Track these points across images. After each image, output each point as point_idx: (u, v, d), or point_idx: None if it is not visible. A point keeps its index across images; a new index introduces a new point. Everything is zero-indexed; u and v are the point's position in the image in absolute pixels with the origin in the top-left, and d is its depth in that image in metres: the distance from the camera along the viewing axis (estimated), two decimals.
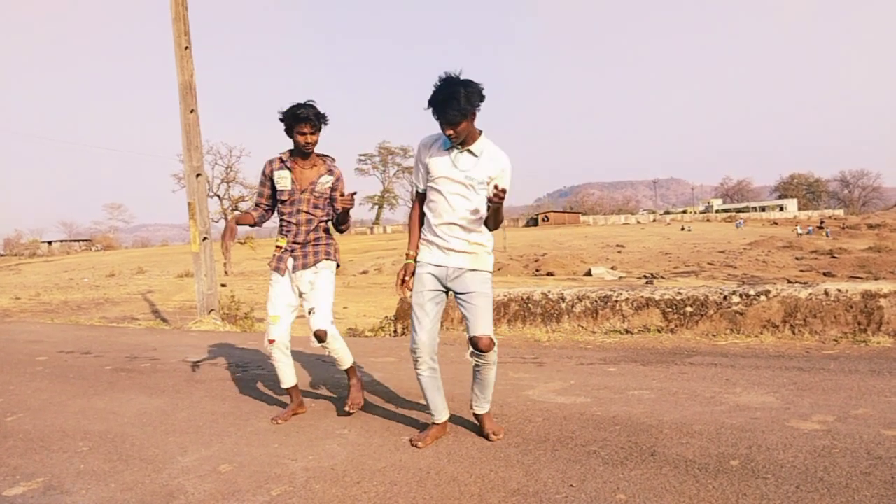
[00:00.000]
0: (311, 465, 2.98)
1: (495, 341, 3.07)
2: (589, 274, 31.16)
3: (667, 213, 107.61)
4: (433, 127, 3.06)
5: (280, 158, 3.68)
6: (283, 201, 3.66)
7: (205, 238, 9.95)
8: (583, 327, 6.35)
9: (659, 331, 5.96)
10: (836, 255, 34.06)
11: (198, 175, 9.99)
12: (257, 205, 3.79)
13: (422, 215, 3.27)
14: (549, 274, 31.51)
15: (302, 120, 3.50)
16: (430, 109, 2.96)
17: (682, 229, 62.77)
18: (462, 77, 2.94)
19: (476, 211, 3.09)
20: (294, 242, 3.67)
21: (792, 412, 3.29)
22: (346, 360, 3.74)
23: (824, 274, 28.05)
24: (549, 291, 6.72)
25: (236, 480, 2.85)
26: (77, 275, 31.98)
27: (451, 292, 3.17)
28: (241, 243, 36.73)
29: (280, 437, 3.44)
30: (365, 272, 32.59)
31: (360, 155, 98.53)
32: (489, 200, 2.95)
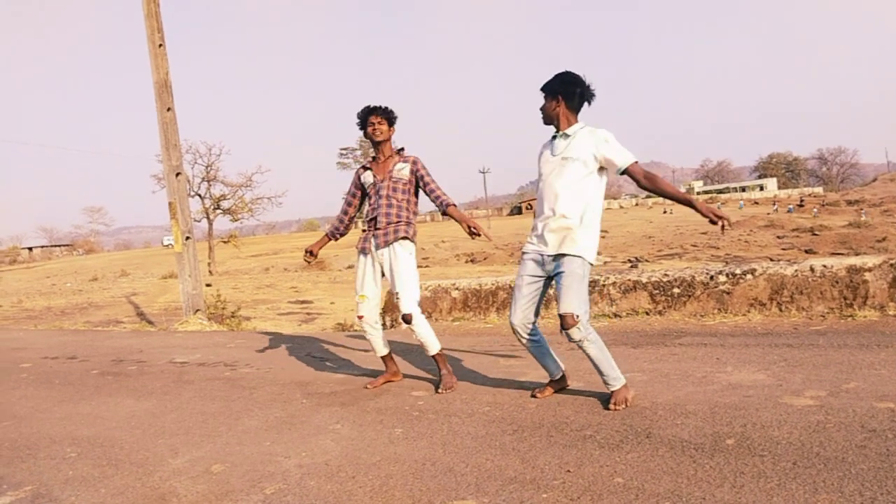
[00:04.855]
0: (304, 462, 2.94)
1: (577, 318, 3.20)
2: None
3: (648, 196, 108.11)
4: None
5: (362, 166, 4.26)
6: (368, 196, 4.19)
7: (187, 237, 9.84)
8: None
9: (647, 313, 5.97)
10: (816, 233, 34.43)
11: (177, 174, 9.87)
12: (341, 216, 4.40)
13: None
14: None
15: (373, 111, 4.05)
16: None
17: (665, 212, 63.16)
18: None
19: (570, 184, 3.28)
20: (376, 225, 4.05)
21: (784, 389, 3.30)
22: (432, 345, 3.99)
23: (806, 251, 28.34)
24: None
25: (229, 480, 2.80)
26: (59, 280, 31.60)
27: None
28: (225, 242, 36.36)
29: (272, 434, 3.40)
30: (351, 266, 32.50)
31: (342, 149, 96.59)
32: None
